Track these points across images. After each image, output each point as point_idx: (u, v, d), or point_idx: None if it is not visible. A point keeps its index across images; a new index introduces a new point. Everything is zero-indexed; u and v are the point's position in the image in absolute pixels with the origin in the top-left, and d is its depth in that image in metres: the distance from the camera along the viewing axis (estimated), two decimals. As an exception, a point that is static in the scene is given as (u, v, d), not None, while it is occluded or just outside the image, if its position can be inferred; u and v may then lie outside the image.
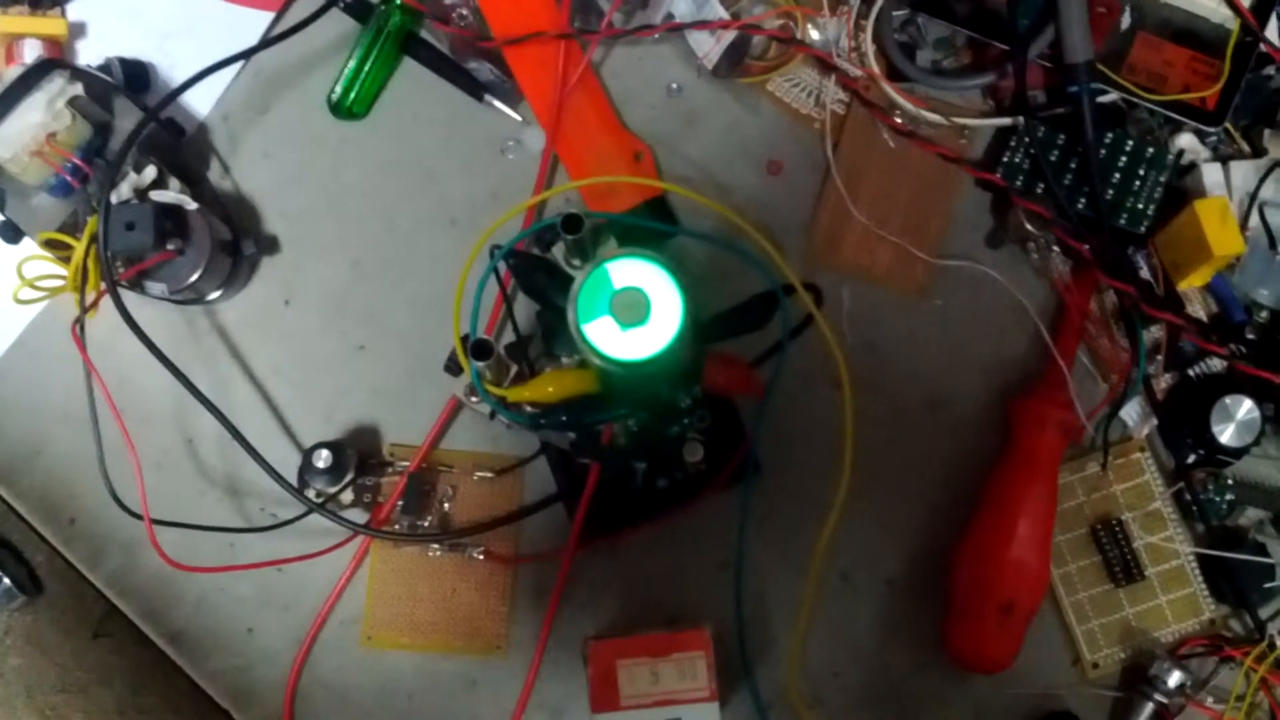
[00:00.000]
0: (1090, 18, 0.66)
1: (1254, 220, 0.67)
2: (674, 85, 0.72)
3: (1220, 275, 0.67)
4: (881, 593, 0.68)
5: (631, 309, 0.49)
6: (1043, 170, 0.67)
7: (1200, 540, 0.67)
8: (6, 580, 0.96)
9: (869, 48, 0.69)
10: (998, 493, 0.65)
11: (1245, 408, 0.65)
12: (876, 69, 0.69)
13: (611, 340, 0.49)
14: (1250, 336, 0.67)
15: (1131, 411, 0.68)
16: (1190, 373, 0.68)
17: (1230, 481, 0.67)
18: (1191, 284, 0.67)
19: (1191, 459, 0.67)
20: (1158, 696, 0.64)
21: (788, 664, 0.66)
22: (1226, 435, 0.65)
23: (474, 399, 0.61)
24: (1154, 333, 0.68)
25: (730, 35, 0.68)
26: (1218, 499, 0.67)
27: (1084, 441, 0.68)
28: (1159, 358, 0.68)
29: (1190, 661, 0.65)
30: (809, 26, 0.71)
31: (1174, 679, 0.64)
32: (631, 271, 0.50)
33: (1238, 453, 0.65)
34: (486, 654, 0.68)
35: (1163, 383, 0.68)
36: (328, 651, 0.68)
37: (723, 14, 0.68)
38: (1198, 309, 0.68)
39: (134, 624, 0.70)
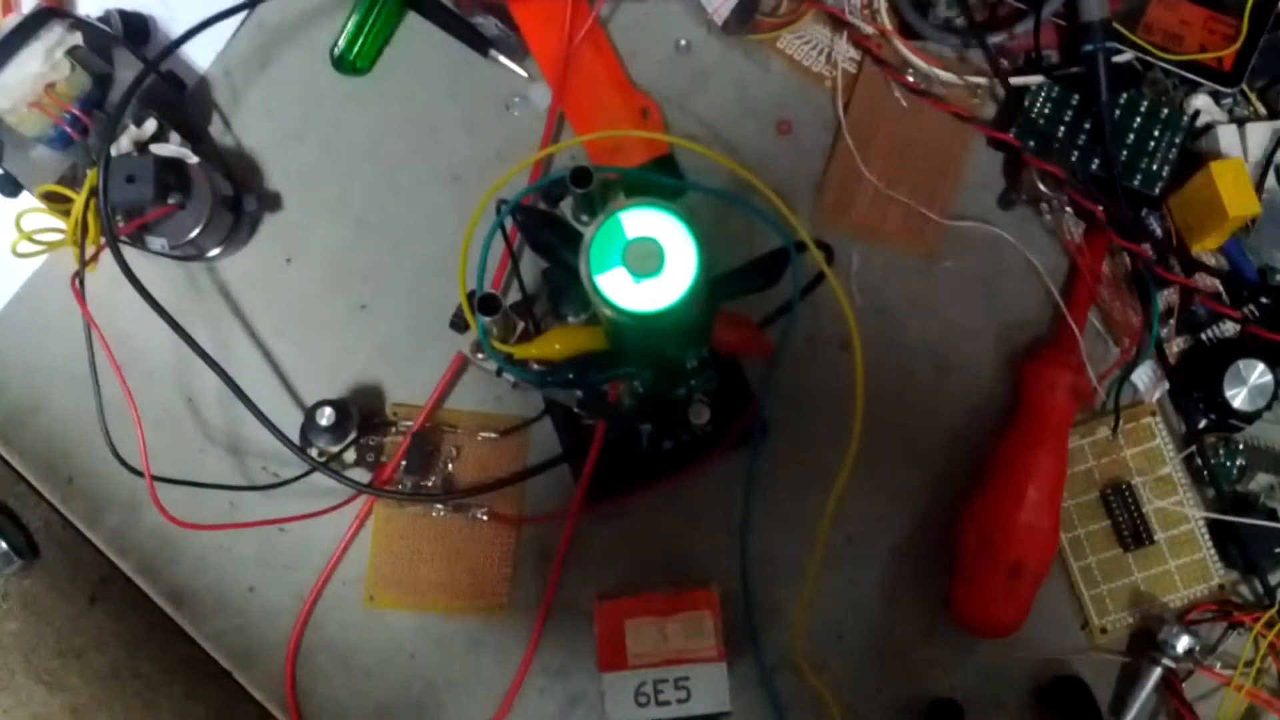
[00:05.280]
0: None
1: (1270, 182, 0.66)
2: (683, 42, 0.71)
3: (1235, 238, 0.66)
4: (888, 557, 0.67)
5: (645, 259, 0.48)
6: (1044, 133, 0.66)
7: (1210, 505, 0.67)
8: (3, 545, 0.96)
9: (882, 4, 0.68)
10: (1007, 456, 0.65)
11: (1258, 372, 0.64)
12: (889, 26, 0.68)
13: (624, 291, 0.48)
14: (1264, 300, 0.66)
15: (1143, 375, 0.67)
16: (1203, 336, 0.67)
17: (1241, 446, 0.67)
18: (1206, 247, 0.66)
19: (1203, 423, 0.67)
20: (1166, 662, 0.64)
21: (793, 627, 0.65)
22: (1239, 399, 0.64)
23: (480, 355, 0.60)
24: (1167, 296, 0.67)
25: (741, -10, 0.67)
26: (1229, 464, 0.67)
27: (1095, 405, 0.67)
28: (1171, 321, 0.67)
29: (1199, 627, 0.65)
30: (821, -18, 0.70)
31: (1182, 644, 0.63)
32: (645, 221, 0.49)
33: (1250, 417, 0.65)
34: (490, 614, 0.67)
35: (1175, 346, 0.68)
36: (330, 611, 0.68)
37: (734, -32, 0.67)
38: (1211, 272, 0.68)
39: (131, 589, 0.69)
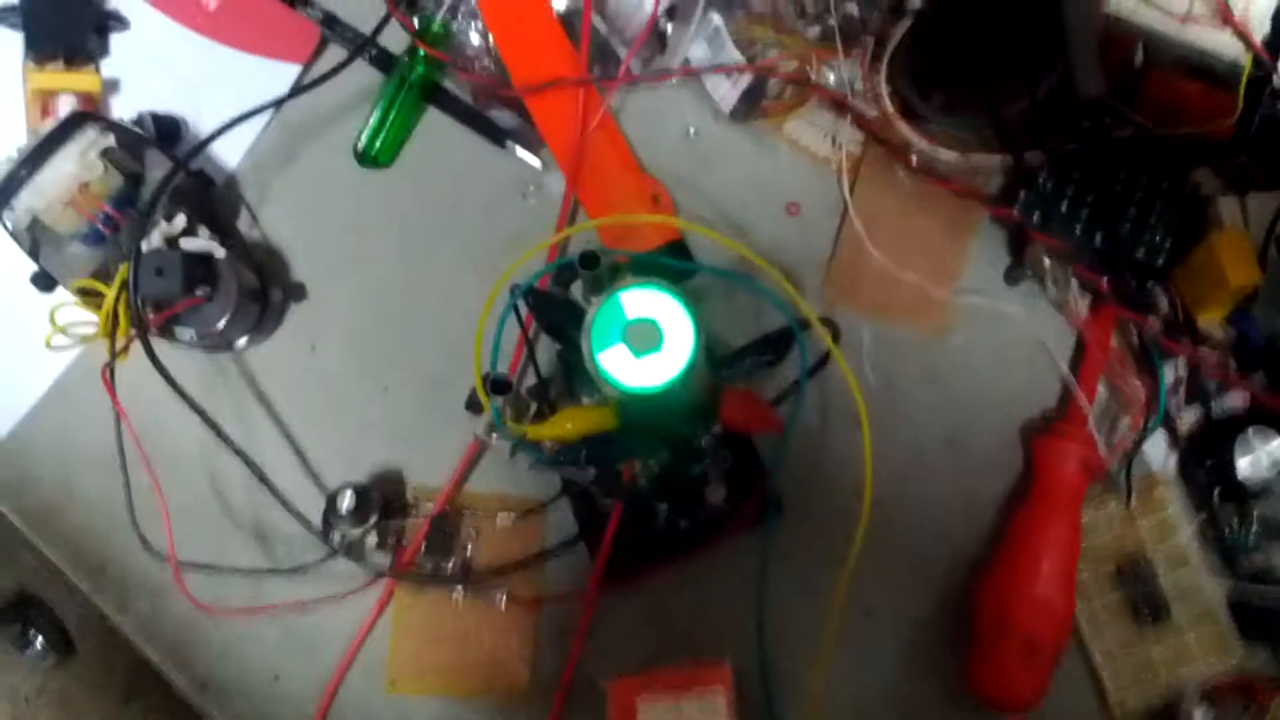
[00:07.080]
0: (1102, 55, 0.66)
1: (1273, 252, 0.66)
2: (692, 129, 0.73)
3: (1241, 308, 0.67)
4: (906, 630, 0.67)
5: (644, 337, 0.50)
6: (1047, 208, 0.67)
7: (1227, 577, 0.67)
8: (40, 639, 0.97)
9: (884, 88, 0.70)
10: (1020, 530, 0.65)
11: (1269, 441, 0.64)
12: (891, 108, 0.70)
13: (625, 368, 0.50)
14: (1273, 368, 0.66)
15: (1154, 447, 0.67)
16: (1212, 406, 0.67)
17: (1257, 515, 0.66)
18: (1212, 317, 0.67)
19: (1216, 494, 0.66)
20: (1187, 737, 0.63)
21: (809, 703, 0.65)
22: (1250, 469, 0.64)
23: (494, 437, 0.61)
24: (1175, 367, 0.67)
25: (746, 79, 0.69)
26: (1244, 534, 0.66)
27: (1106, 478, 0.68)
28: (1180, 392, 0.67)
29: (1219, 701, 0.64)
30: (824, 68, 0.71)
31: (1203, 719, 0.63)
32: (644, 301, 0.50)
33: (1262, 486, 0.65)
34: (510, 697, 0.68)
35: (1185, 417, 0.68)
36: (352, 696, 0.68)
37: (739, 58, 0.69)
38: (1219, 342, 0.68)
39: (164, 686, 0.70)
